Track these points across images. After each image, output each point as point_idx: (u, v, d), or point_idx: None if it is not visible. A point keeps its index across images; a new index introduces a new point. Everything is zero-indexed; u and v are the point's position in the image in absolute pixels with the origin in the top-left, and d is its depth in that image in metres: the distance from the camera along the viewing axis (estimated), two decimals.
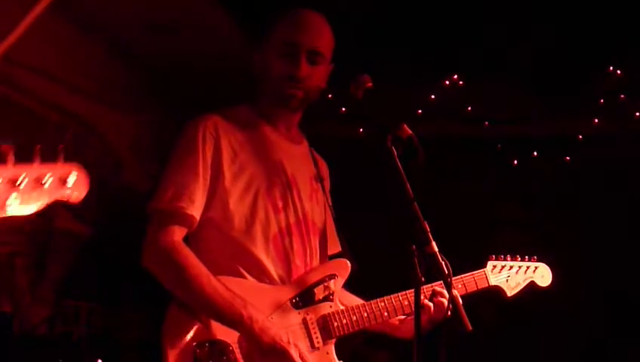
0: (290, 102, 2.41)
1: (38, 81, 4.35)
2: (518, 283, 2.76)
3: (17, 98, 4.22)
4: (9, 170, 1.37)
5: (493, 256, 2.75)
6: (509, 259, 2.77)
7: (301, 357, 2.23)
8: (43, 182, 1.39)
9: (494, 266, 2.73)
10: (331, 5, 2.51)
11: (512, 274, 2.75)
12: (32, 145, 4.33)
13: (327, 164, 2.67)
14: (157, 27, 4.52)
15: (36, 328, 4.16)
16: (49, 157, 1.44)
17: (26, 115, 4.27)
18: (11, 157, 1.37)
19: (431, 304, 2.42)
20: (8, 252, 4.19)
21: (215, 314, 2.21)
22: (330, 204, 2.58)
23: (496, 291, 2.71)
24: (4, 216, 1.38)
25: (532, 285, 2.79)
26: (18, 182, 1.37)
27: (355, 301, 2.53)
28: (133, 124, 5.24)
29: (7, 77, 4.12)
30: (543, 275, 2.81)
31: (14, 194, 1.37)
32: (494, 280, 2.70)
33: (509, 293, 2.73)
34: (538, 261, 2.83)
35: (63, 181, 1.42)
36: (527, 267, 2.79)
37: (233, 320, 2.19)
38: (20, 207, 1.38)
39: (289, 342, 2.22)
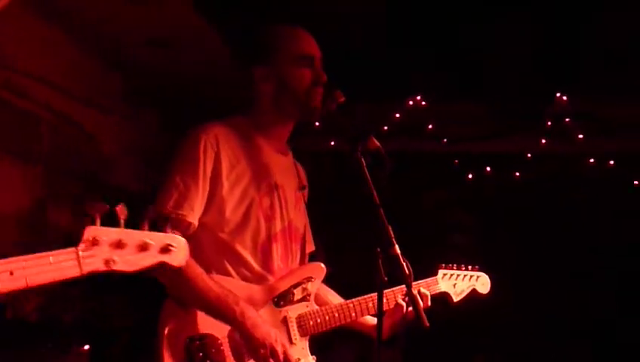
0: (316, 111, 2.37)
1: (36, 86, 4.28)
2: (463, 290, 2.81)
3: (14, 100, 4.13)
4: (118, 233, 1.46)
5: (443, 265, 2.80)
6: (455, 268, 2.82)
7: (285, 355, 2.24)
8: (145, 249, 1.48)
9: (444, 274, 2.77)
10: (307, 28, 2.49)
11: (459, 282, 2.80)
12: (27, 147, 4.20)
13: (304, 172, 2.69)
14: (152, 41, 4.50)
15: (28, 315, 4.03)
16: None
17: (20, 116, 4.18)
18: (122, 220, 1.47)
19: (403, 303, 2.45)
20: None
21: (210, 311, 2.22)
22: (306, 209, 2.60)
23: (444, 296, 2.76)
24: (109, 270, 1.47)
25: (473, 292, 2.84)
26: (122, 245, 1.47)
27: (336, 298, 2.60)
28: (124, 128, 5.19)
29: (5, 82, 4.04)
30: (483, 284, 2.86)
31: (117, 255, 1.46)
32: (444, 286, 2.75)
33: (455, 299, 2.78)
34: (480, 271, 2.88)
35: (165, 249, 1.50)
36: (471, 276, 2.85)
37: (227, 316, 2.20)
38: (124, 265, 1.47)
39: (276, 341, 2.23)
